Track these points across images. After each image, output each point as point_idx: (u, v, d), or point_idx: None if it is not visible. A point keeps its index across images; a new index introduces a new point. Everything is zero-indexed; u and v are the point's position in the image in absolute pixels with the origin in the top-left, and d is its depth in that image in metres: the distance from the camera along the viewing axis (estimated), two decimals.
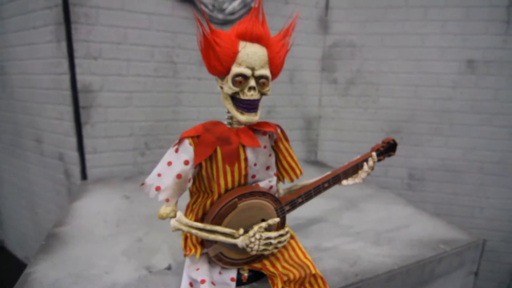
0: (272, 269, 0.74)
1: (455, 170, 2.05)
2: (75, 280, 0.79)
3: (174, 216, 0.70)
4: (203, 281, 0.69)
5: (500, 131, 1.95)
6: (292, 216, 1.04)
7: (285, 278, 0.70)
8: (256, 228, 0.72)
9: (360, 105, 2.07)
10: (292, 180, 0.87)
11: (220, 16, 1.65)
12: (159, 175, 0.71)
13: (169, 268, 0.85)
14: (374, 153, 0.88)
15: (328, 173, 0.89)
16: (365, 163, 0.88)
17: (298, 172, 0.86)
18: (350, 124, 2.10)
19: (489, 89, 1.93)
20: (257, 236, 0.71)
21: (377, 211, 1.27)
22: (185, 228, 0.68)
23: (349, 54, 2.02)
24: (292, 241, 0.83)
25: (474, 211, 2.09)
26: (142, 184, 0.71)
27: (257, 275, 0.79)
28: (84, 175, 1.61)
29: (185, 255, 0.78)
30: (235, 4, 1.64)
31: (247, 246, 0.70)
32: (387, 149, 0.94)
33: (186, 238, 0.79)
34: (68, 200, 1.36)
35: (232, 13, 1.67)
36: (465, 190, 2.07)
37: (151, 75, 1.65)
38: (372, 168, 0.88)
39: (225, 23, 1.69)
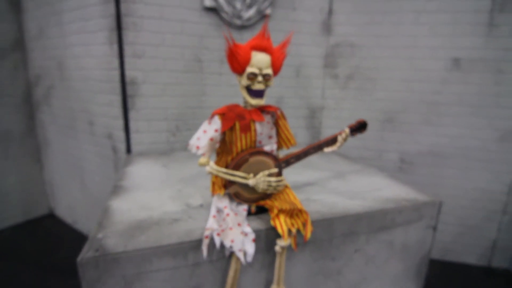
0: (271, 203, 1.11)
1: (442, 155, 2.33)
2: (140, 209, 1.18)
3: (208, 164, 1.07)
4: (225, 207, 1.07)
5: (483, 122, 2.21)
6: (292, 180, 1.39)
7: (279, 208, 1.06)
8: (261, 173, 1.08)
9: (358, 98, 2.38)
10: (288, 148, 1.22)
11: (238, 22, 2.00)
12: (198, 138, 1.07)
13: (201, 205, 1.23)
14: (347, 129, 1.22)
15: (314, 143, 1.24)
16: (339, 136, 1.22)
17: (292, 142, 1.21)
18: (349, 114, 2.41)
19: (473, 85, 2.18)
20: (262, 179, 1.07)
21: (359, 180, 1.60)
22: (215, 172, 1.05)
23: (349, 53, 2.33)
24: (286, 189, 1.18)
25: (459, 192, 2.36)
26: (187, 145, 1.08)
27: (262, 210, 1.16)
28: (129, 150, 2.03)
29: (212, 195, 1.16)
30: (251, 12, 1.99)
31: (255, 185, 1.07)
32: (359, 127, 1.27)
33: (213, 184, 1.16)
34: (121, 166, 1.76)
35: (249, 19, 2.02)
36: (450, 174, 2.35)
37: (182, 70, 2.03)
38: (344, 139, 1.22)
39: (242, 27, 2.04)
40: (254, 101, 1.07)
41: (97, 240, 0.95)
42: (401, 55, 2.26)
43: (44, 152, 2.88)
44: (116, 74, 1.92)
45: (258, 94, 1.07)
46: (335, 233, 1.19)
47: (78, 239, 2.70)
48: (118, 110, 1.98)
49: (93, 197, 2.50)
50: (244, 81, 1.05)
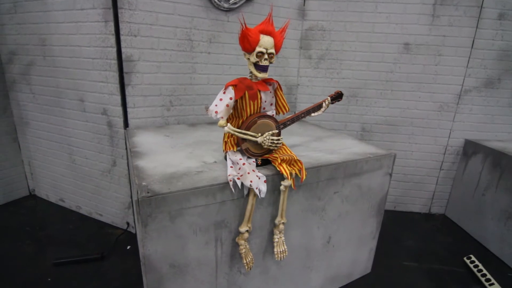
0: (274, 156, 1.42)
1: (394, 124, 2.82)
2: (166, 166, 1.41)
3: (226, 125, 1.33)
4: (240, 159, 1.35)
5: (425, 95, 2.72)
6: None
7: (281, 158, 1.37)
8: (266, 133, 1.37)
9: (327, 76, 2.74)
10: (284, 113, 1.52)
11: (225, 5, 2.20)
12: (216, 105, 1.32)
13: (215, 162, 1.50)
14: (329, 98, 1.56)
15: (303, 109, 1.56)
16: (323, 103, 1.56)
17: (287, 108, 1.51)
18: (320, 90, 2.78)
19: (418, 65, 2.66)
20: (268, 137, 1.37)
21: (333, 142, 1.98)
22: (231, 131, 1.32)
23: (320, 36, 2.66)
24: (283, 146, 1.50)
25: (407, 154, 2.89)
26: (207, 110, 1.33)
27: (266, 162, 1.46)
28: (126, 124, 2.17)
29: (224, 152, 1.43)
30: None
31: (262, 142, 1.36)
32: (337, 96, 1.62)
33: (226, 143, 1.43)
34: (128, 137, 1.93)
35: (234, 3, 2.23)
36: (401, 139, 2.86)
37: (174, 49, 2.19)
38: (327, 106, 1.56)
39: (229, 10, 2.25)
40: (261, 75, 1.34)
41: (144, 186, 1.18)
42: (362, 39, 2.64)
43: (21, 132, 2.85)
44: (112, 51, 2.03)
45: (264, 69, 1.34)
46: (321, 178, 1.55)
47: (68, 214, 2.78)
48: (114, 86, 2.10)
49: (82, 172, 2.59)
50: (253, 58, 1.32)
